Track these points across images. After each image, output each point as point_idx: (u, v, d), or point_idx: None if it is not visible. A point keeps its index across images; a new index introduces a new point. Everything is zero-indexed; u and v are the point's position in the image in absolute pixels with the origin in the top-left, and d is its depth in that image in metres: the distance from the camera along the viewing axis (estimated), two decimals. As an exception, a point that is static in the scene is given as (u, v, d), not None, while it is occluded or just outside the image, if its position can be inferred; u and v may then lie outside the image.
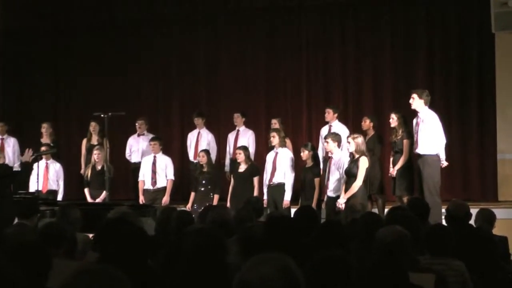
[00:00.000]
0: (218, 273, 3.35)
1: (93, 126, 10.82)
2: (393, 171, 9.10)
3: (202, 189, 9.81)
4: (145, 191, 10.14)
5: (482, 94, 11.01)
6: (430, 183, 8.57)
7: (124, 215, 5.16)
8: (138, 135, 11.03)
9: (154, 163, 10.18)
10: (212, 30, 12.47)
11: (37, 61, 12.90)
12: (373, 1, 11.73)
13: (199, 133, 11.05)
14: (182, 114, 12.37)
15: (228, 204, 9.15)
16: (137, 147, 10.97)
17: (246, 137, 10.78)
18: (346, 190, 8.43)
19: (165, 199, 10.03)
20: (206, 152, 10.10)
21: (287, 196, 9.33)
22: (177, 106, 12.55)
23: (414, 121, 8.88)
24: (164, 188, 10.13)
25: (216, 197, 9.78)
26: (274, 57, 12.11)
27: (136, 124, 11.00)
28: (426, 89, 9.10)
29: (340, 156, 8.81)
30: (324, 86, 11.90)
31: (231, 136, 10.98)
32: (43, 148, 10.31)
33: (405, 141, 9.08)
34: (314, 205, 8.80)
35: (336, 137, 8.90)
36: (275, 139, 9.56)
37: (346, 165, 8.62)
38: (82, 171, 10.77)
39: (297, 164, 9.67)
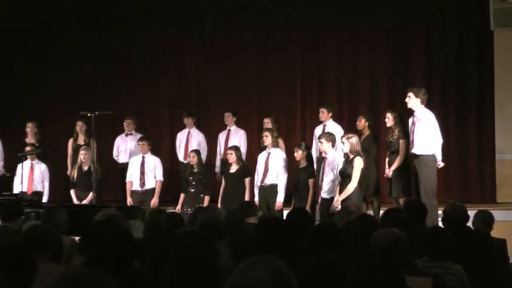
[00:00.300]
0: (209, 276, 3.30)
1: (80, 126, 10.63)
2: (389, 171, 9.00)
3: (192, 190, 9.71)
4: (133, 193, 9.99)
5: (481, 92, 10.92)
6: (427, 184, 8.45)
7: (111, 217, 5.09)
8: (126, 135, 10.89)
9: (142, 164, 10.04)
10: (202, 28, 12.36)
11: (21, 59, 12.74)
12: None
13: (189, 132, 10.92)
14: (172, 113, 12.27)
15: (219, 206, 9.08)
16: (125, 147, 10.84)
17: (237, 137, 10.67)
18: (340, 192, 8.28)
19: (154, 201, 9.90)
20: (197, 152, 9.96)
21: (280, 198, 9.21)
22: (166, 105, 12.44)
23: (410, 120, 8.76)
24: (153, 190, 9.99)
25: (206, 199, 9.68)
26: (266, 54, 11.97)
27: (124, 123, 10.85)
28: (423, 87, 8.92)
29: (334, 157, 8.67)
30: (318, 84, 11.77)
31: (222, 136, 10.87)
32: (27, 148, 10.19)
33: (401, 141, 8.96)
34: (308, 206, 8.70)
35: (330, 137, 8.75)
36: (267, 139, 9.41)
37: (340, 166, 8.47)
38: (68, 172, 10.60)
39: (291, 164, 9.55)
